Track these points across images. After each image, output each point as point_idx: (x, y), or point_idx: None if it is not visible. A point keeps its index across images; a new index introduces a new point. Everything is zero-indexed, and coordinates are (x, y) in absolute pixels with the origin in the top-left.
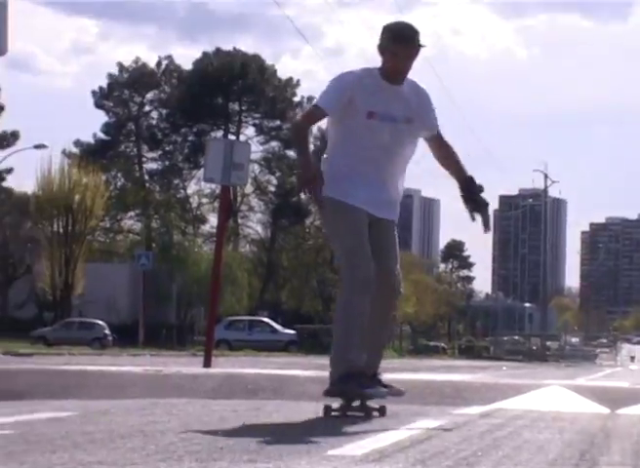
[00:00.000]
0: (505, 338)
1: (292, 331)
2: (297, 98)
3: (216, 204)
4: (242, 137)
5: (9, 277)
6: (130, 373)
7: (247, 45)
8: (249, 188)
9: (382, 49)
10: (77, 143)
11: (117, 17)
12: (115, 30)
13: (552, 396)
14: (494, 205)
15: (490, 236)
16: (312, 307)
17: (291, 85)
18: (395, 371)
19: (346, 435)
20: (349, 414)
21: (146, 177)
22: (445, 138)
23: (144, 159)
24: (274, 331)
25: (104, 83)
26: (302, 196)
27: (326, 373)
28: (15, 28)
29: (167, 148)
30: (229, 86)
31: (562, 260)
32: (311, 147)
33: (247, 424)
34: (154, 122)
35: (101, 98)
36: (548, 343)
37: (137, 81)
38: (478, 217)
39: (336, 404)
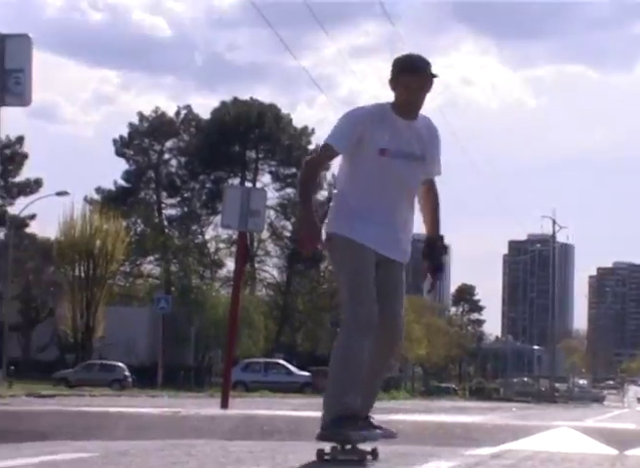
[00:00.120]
0: (515, 380)
1: (307, 373)
2: (311, 146)
3: (233, 249)
4: (258, 185)
5: (32, 320)
6: (149, 415)
7: (263, 94)
8: (265, 234)
9: (394, 82)
10: (98, 190)
11: (138, 67)
12: (136, 81)
13: (561, 437)
14: (503, 250)
15: (499, 280)
16: (327, 350)
17: (306, 133)
18: (407, 412)
19: None
20: (342, 458)
21: (165, 223)
22: (436, 186)
23: (164, 205)
24: (290, 372)
25: (125, 132)
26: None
27: None
28: (39, 80)
29: (185, 195)
30: (246, 134)
31: (570, 304)
32: (325, 194)
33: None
34: (173, 169)
35: (122, 147)
36: (557, 385)
37: (156, 130)
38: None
39: (328, 447)
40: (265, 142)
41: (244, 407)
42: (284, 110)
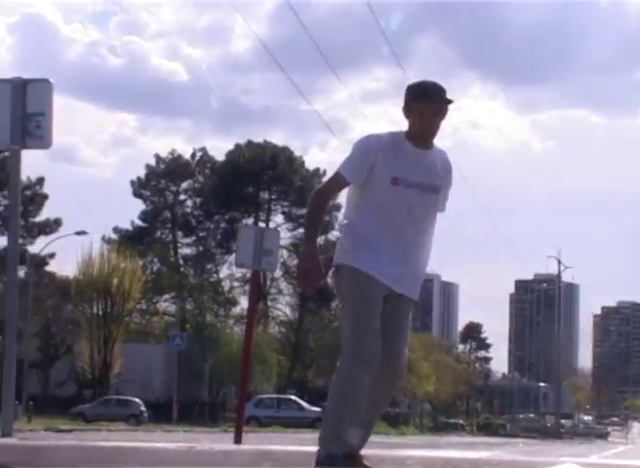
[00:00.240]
0: (521, 416)
1: (318, 409)
2: None
3: (246, 287)
4: (271, 225)
5: (51, 357)
6: (164, 449)
7: (277, 137)
8: (278, 272)
9: (407, 110)
10: (116, 230)
11: (155, 111)
12: (153, 124)
13: None
14: (510, 289)
15: (506, 318)
16: None
17: (318, 175)
18: (416, 448)
19: None
20: None
21: (181, 262)
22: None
23: (179, 245)
24: (301, 408)
25: (142, 173)
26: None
27: None
28: (59, 123)
29: (201, 234)
30: (260, 176)
31: (575, 342)
32: (336, 234)
33: None
34: (189, 210)
35: (139, 188)
36: (562, 421)
37: (172, 171)
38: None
39: None
40: (278, 184)
41: (257, 442)
42: (297, 153)
